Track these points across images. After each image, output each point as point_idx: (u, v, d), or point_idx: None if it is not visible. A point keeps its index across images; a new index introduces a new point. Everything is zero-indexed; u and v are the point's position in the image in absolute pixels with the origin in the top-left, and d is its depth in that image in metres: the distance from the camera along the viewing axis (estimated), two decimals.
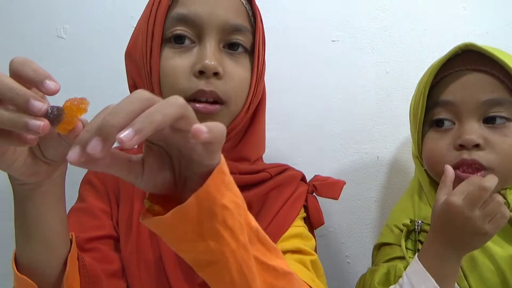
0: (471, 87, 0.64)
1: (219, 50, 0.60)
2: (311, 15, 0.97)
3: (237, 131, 0.67)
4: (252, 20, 0.64)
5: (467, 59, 0.65)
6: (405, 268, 0.63)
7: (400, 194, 0.97)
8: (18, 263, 0.47)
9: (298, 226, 0.67)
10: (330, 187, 0.71)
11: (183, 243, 0.39)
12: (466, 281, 0.63)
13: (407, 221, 0.70)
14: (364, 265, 0.97)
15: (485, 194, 0.55)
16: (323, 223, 0.72)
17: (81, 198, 0.65)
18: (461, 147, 0.63)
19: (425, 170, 0.73)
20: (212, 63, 0.57)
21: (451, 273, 0.58)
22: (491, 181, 0.56)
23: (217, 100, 0.60)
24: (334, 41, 0.97)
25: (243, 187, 0.65)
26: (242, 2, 0.63)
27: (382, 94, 0.97)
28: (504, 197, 0.64)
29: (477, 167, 0.62)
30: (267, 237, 0.45)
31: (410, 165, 0.97)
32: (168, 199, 0.40)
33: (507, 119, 0.63)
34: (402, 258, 0.68)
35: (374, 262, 0.78)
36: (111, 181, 0.66)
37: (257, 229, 0.44)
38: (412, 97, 0.75)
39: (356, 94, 0.97)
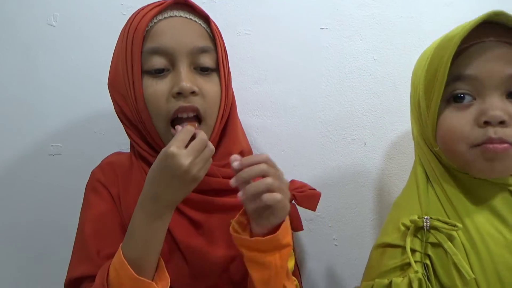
0: (496, 61, 0.60)
1: (191, 71, 0.70)
2: (300, 3, 0.98)
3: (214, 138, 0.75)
4: (213, 39, 0.73)
5: (490, 30, 0.61)
6: (408, 285, 0.60)
7: (387, 179, 1.00)
8: (134, 268, 0.59)
9: None
10: (309, 199, 0.78)
11: (253, 251, 0.63)
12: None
13: (414, 217, 0.64)
14: (350, 248, 1.01)
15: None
16: (302, 229, 0.83)
17: (89, 204, 0.76)
18: (486, 123, 0.59)
19: (434, 155, 0.68)
20: (188, 85, 0.67)
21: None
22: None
23: (197, 115, 0.69)
24: (322, 28, 0.98)
25: (225, 191, 0.72)
26: (203, 27, 0.72)
27: (369, 81, 0.98)
28: None
29: (500, 143, 0.59)
30: (288, 267, 0.67)
31: (397, 150, 0.99)
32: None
33: None
34: (408, 264, 0.62)
35: (372, 264, 0.70)
36: (111, 182, 0.76)
37: (287, 266, 0.66)
38: (419, 72, 0.69)
39: (344, 81, 0.98)
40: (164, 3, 0.70)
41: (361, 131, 0.99)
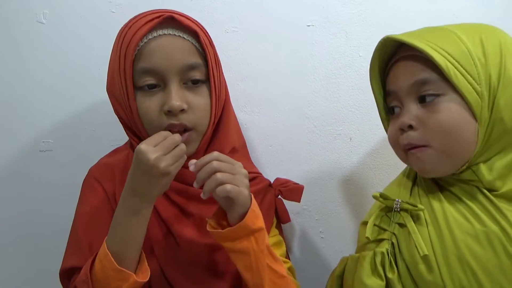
0: (403, 74, 0.68)
1: (181, 88, 0.73)
2: (287, 0, 0.99)
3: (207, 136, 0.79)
4: (203, 54, 0.75)
5: (403, 48, 0.69)
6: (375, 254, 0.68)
7: (372, 173, 1.02)
8: (117, 260, 0.65)
9: (273, 236, 0.83)
10: (293, 192, 0.85)
11: (227, 241, 0.68)
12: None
13: (389, 200, 0.71)
14: (337, 240, 1.03)
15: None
16: (289, 221, 0.89)
17: (83, 200, 0.81)
18: (402, 130, 0.68)
19: None
20: (177, 103, 0.71)
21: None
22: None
23: (186, 129, 0.74)
24: (309, 25, 1.00)
25: None
26: (192, 43, 0.74)
27: (355, 77, 1.00)
28: (475, 173, 0.66)
29: (413, 147, 0.67)
30: (272, 250, 0.71)
31: (382, 146, 1.01)
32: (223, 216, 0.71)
33: (436, 95, 0.65)
34: (381, 240, 0.70)
35: (358, 240, 0.78)
36: (107, 181, 0.80)
37: (268, 245, 0.70)
38: None
39: (330, 78, 1.00)
40: (153, 20, 0.72)
41: (347, 126, 1.01)
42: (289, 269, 0.80)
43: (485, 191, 0.65)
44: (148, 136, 0.72)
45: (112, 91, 0.76)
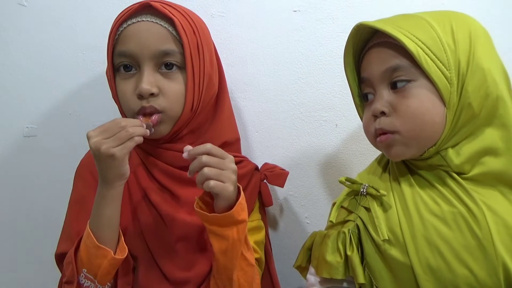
0: (376, 61, 0.69)
1: (154, 73, 0.76)
2: None
3: (196, 124, 0.83)
4: (180, 41, 0.76)
5: (374, 35, 0.71)
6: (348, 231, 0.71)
7: (356, 159, 1.03)
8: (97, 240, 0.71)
9: (253, 220, 0.86)
10: (278, 177, 0.89)
11: (213, 225, 0.71)
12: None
13: (356, 184, 0.74)
14: (322, 225, 1.03)
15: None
16: (272, 204, 0.92)
17: (74, 188, 0.85)
18: (374, 117, 0.70)
19: None
20: (146, 87, 0.74)
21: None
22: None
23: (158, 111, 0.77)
24: (295, 11, 0.99)
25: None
26: (168, 30, 0.76)
27: (341, 64, 1.00)
28: (444, 158, 0.67)
29: (384, 133, 0.68)
30: (248, 239, 0.75)
31: None
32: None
33: (407, 81, 0.66)
34: (346, 221, 0.73)
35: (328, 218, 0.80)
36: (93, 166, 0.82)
37: (246, 235, 0.74)
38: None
39: (316, 64, 1.00)
40: (132, 7, 0.76)
41: (333, 113, 1.01)
42: (257, 260, 0.83)
43: (454, 174, 0.67)
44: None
45: (106, 75, 0.81)
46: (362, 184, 0.74)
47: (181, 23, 0.76)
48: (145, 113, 0.76)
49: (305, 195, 1.04)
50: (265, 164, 0.93)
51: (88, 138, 0.67)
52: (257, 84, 1.01)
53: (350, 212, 0.74)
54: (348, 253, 0.70)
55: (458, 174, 0.68)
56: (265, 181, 0.90)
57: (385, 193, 0.70)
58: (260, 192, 0.89)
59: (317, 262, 0.74)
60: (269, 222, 1.05)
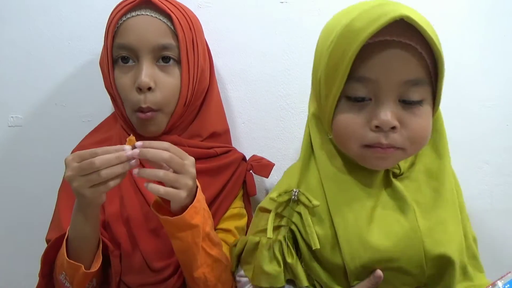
0: (395, 65, 0.60)
1: (153, 66, 0.78)
2: None
3: (186, 116, 0.84)
4: (177, 36, 0.79)
5: (394, 27, 0.58)
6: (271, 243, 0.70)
7: None
8: (68, 254, 0.71)
9: (235, 207, 0.88)
10: (263, 168, 0.91)
11: (169, 227, 0.70)
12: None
13: (283, 192, 0.71)
14: None
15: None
16: (255, 194, 0.92)
17: (64, 180, 0.85)
18: (377, 128, 0.61)
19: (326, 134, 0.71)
20: (146, 80, 0.76)
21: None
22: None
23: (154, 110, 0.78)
24: (282, 2, 0.99)
25: None
26: (167, 24, 0.79)
27: None
28: (398, 166, 0.69)
29: (390, 147, 0.63)
30: (213, 235, 0.75)
31: None
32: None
33: (421, 100, 0.62)
34: (279, 226, 0.72)
35: (252, 223, 0.80)
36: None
37: (208, 232, 0.73)
38: (323, 53, 0.66)
39: (303, 55, 1.00)
40: (133, 1, 0.78)
41: None
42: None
43: (390, 174, 0.69)
44: (125, 110, 0.81)
45: (101, 66, 0.82)
46: (292, 190, 0.70)
47: (178, 19, 0.79)
48: (140, 116, 0.78)
49: None
50: (253, 156, 0.95)
51: (65, 163, 0.65)
52: (244, 75, 1.01)
53: (281, 217, 0.72)
54: (289, 260, 0.69)
55: (394, 175, 0.69)
56: (251, 171, 0.92)
57: (317, 203, 0.67)
58: (245, 182, 0.91)
59: (253, 272, 0.72)
60: (253, 209, 1.06)
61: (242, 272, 0.77)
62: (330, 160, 0.70)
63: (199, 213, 0.70)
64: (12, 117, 1.02)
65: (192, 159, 0.69)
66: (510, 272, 0.57)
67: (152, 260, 0.78)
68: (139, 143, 0.65)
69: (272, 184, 1.05)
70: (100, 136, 0.88)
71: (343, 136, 0.65)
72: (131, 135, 0.70)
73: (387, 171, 0.69)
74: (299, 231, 0.69)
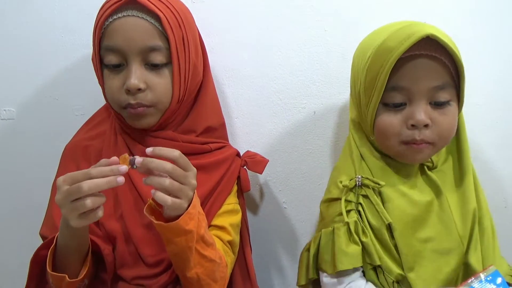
0: (425, 74, 0.72)
1: (142, 68, 0.77)
2: None
3: (180, 112, 0.84)
4: (166, 36, 0.77)
5: (421, 43, 0.70)
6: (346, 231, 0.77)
7: (333, 146, 1.05)
8: (55, 262, 0.71)
9: (230, 203, 0.87)
10: (257, 164, 0.91)
11: (163, 232, 0.69)
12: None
13: (347, 180, 0.80)
14: (298, 211, 1.07)
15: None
16: (249, 190, 0.93)
17: (57, 174, 0.85)
18: (413, 126, 0.73)
19: (365, 136, 0.83)
20: (135, 82, 0.75)
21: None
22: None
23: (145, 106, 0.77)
24: None
25: (186, 155, 0.79)
26: (155, 25, 0.76)
27: (320, 51, 1.02)
28: (431, 160, 0.81)
29: (421, 143, 0.74)
30: (207, 236, 0.74)
31: (344, 119, 1.04)
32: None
33: (448, 100, 0.74)
34: (349, 211, 0.79)
35: (323, 217, 0.85)
36: (82, 161, 0.85)
37: (202, 235, 0.72)
38: (360, 68, 0.78)
39: (295, 51, 1.01)
40: (119, 1, 0.75)
41: (311, 100, 1.03)
42: (230, 242, 0.84)
43: (425, 168, 0.81)
44: (114, 110, 0.81)
45: (93, 61, 0.81)
46: (356, 177, 0.79)
47: (167, 18, 0.76)
48: (130, 112, 0.77)
49: (283, 181, 1.06)
50: (247, 151, 0.96)
51: (57, 186, 0.62)
52: (237, 70, 1.02)
53: (349, 202, 0.79)
54: (363, 239, 0.76)
55: (429, 168, 0.81)
56: (245, 167, 0.92)
57: (383, 183, 0.77)
58: (239, 177, 0.91)
59: (333, 258, 0.76)
60: (248, 206, 1.07)
61: (324, 274, 0.80)
62: (373, 156, 0.82)
63: (193, 219, 0.69)
64: (4, 110, 1.02)
65: (194, 170, 0.69)
66: (492, 265, 0.59)
67: (147, 255, 0.79)
68: (149, 149, 0.65)
69: (264, 180, 1.06)
70: (94, 131, 0.88)
71: (384, 136, 0.77)
72: (126, 154, 0.66)
73: (421, 165, 0.81)
74: (365, 214, 0.77)
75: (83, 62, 0.99)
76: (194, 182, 0.69)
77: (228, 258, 0.83)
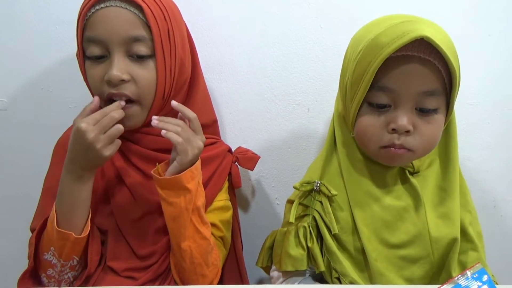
0: (414, 77, 0.66)
1: (125, 59, 0.75)
2: None
3: (167, 110, 0.82)
4: (150, 28, 0.75)
5: (415, 44, 0.65)
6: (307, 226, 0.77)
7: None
8: (58, 224, 0.73)
9: (220, 200, 0.88)
10: (249, 160, 0.92)
11: (164, 190, 0.74)
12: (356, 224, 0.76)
13: (307, 184, 0.78)
14: None
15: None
16: (240, 186, 0.94)
17: (49, 166, 0.86)
18: (393, 130, 0.69)
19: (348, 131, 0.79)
20: (117, 74, 0.73)
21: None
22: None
23: (130, 99, 0.75)
24: None
25: (169, 150, 0.81)
26: (138, 15, 0.75)
27: (316, 48, 1.02)
28: (412, 165, 0.77)
29: (399, 148, 0.70)
30: (204, 214, 0.78)
31: None
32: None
33: (436, 108, 0.69)
34: (304, 215, 0.79)
35: (284, 215, 0.88)
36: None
37: (199, 207, 0.76)
38: (350, 61, 0.73)
39: (291, 48, 1.01)
40: None
41: (306, 97, 1.03)
42: (221, 238, 0.86)
43: (406, 172, 0.77)
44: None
45: (77, 57, 0.80)
46: (314, 182, 0.78)
47: (150, 9, 0.75)
48: (113, 99, 0.75)
49: (276, 177, 1.07)
50: (239, 147, 0.96)
51: (81, 131, 0.68)
52: (232, 66, 1.01)
53: (306, 207, 0.79)
54: (309, 245, 0.76)
55: (410, 172, 0.78)
56: (236, 163, 0.92)
57: (335, 193, 0.76)
58: (230, 174, 0.91)
59: (280, 257, 0.79)
60: (241, 202, 1.08)
61: (274, 267, 0.83)
62: (351, 155, 0.78)
63: (194, 179, 0.74)
64: None
65: (203, 138, 0.76)
66: (479, 263, 0.60)
67: (138, 248, 0.80)
68: (174, 103, 0.76)
69: (257, 176, 1.07)
70: None
71: (363, 137, 0.73)
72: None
73: (402, 169, 0.77)
74: (322, 219, 0.77)
75: None
76: (200, 144, 0.75)
77: (220, 253, 0.83)
